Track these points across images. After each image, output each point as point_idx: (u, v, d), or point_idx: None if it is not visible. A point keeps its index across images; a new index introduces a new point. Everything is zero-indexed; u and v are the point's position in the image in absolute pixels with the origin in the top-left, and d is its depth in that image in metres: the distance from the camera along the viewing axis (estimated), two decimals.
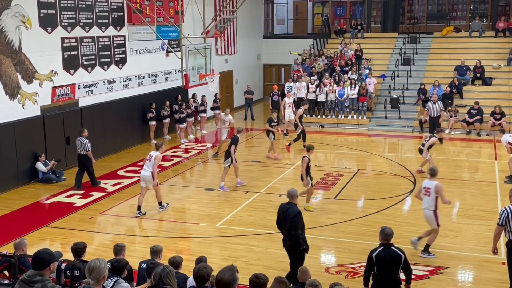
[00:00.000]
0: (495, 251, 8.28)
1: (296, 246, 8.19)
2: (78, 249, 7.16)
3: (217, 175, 16.15)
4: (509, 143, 14.57)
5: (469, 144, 19.66)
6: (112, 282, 6.05)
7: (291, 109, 20.70)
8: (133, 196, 13.84)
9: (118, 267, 6.49)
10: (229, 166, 14.28)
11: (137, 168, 16.40)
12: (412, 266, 7.37)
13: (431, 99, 19.93)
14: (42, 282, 4.89)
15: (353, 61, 24.38)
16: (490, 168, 16.09)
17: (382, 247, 7.12)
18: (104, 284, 5.61)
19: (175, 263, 7.17)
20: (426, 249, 9.98)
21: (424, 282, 9.05)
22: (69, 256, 7.41)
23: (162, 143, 13.22)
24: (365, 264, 7.36)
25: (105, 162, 17.17)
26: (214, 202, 13.46)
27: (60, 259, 6.97)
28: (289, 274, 8.18)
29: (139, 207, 12.49)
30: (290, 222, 8.12)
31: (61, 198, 13.82)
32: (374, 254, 7.09)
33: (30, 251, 6.75)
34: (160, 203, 12.81)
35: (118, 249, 7.39)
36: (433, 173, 10.06)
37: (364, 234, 11.07)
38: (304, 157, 12.41)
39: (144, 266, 7.23)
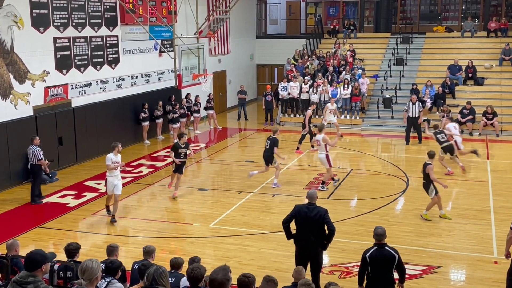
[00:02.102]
0: (508, 255, 8.17)
1: (328, 243, 8.14)
2: (71, 250, 7.14)
3: (210, 175, 16.16)
4: (450, 132, 14.67)
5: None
6: (106, 283, 6.04)
7: (333, 115, 20.08)
8: (126, 196, 13.80)
9: (112, 268, 6.48)
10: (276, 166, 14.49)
11: (130, 168, 16.39)
12: (405, 266, 7.39)
13: (411, 99, 19.82)
14: (35, 283, 4.87)
15: (349, 61, 24.36)
16: (483, 167, 16.16)
17: (376, 247, 7.14)
18: (97, 285, 5.60)
19: (177, 264, 7.16)
20: None
21: (417, 281, 9.08)
22: (62, 257, 7.39)
23: (323, 124, 14.85)
24: (358, 263, 7.39)
25: (98, 163, 17.10)
26: (207, 202, 13.46)
27: (53, 259, 6.94)
28: (315, 278, 8.14)
29: (322, 182, 14.13)
30: (321, 221, 7.97)
31: (54, 199, 13.76)
32: (368, 254, 7.11)
33: (23, 252, 6.73)
34: (322, 183, 14.14)
35: (111, 249, 7.38)
36: None
37: (357, 233, 11.11)
38: (428, 164, 11.73)
39: (137, 266, 7.21)
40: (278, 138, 14.44)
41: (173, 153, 13.46)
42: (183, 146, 13.50)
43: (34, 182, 13.51)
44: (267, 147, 14.39)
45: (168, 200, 13.67)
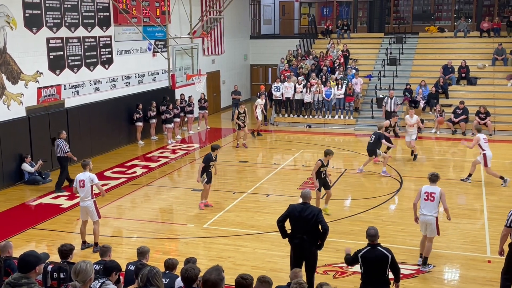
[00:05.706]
0: (501, 252, 8.19)
1: (322, 242, 8.15)
2: (65, 251, 7.12)
3: None
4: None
5: (455, 143, 19.80)
6: (99, 283, 6.02)
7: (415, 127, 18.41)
8: (120, 197, 13.78)
9: (110, 267, 6.49)
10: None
11: (124, 169, 16.35)
12: (399, 265, 7.39)
13: (388, 95, 20.53)
14: (28, 285, 4.85)
15: (341, 61, 24.38)
16: (476, 167, 16.17)
17: (369, 247, 7.14)
18: (91, 286, 5.59)
19: (171, 264, 7.15)
20: (425, 262, 9.60)
21: (411, 281, 9.11)
22: (55, 258, 7.37)
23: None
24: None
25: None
26: None
27: (47, 261, 6.92)
28: (310, 278, 8.17)
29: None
30: (314, 221, 7.98)
31: (47, 200, 13.72)
32: (360, 254, 7.12)
33: (16, 254, 6.70)
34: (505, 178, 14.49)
35: (104, 250, 7.37)
36: (435, 179, 9.43)
37: (351, 233, 11.12)
38: (318, 160, 12.13)
39: (132, 267, 7.20)
40: (383, 134, 15.65)
41: (203, 165, 12.48)
42: (214, 158, 12.64)
43: (61, 173, 14.34)
44: (371, 141, 15.44)
45: (162, 201, 13.65)
